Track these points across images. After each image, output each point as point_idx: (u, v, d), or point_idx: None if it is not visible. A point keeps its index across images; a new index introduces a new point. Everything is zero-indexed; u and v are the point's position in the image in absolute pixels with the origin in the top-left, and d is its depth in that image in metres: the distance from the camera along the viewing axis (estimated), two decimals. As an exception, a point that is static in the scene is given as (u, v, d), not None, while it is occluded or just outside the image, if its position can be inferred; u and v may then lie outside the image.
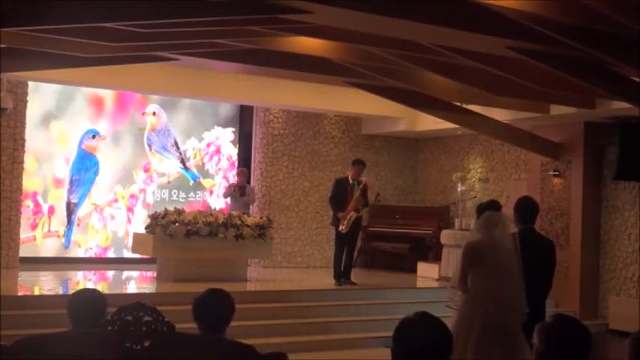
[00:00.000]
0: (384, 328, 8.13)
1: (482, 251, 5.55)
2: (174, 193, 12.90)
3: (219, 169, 13.29)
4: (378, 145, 14.14)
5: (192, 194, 13.04)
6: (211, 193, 13.21)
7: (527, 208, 5.95)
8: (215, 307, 3.60)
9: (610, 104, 9.60)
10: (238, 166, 12.95)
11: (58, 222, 11.97)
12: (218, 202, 13.04)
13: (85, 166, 12.17)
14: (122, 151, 12.50)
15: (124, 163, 12.51)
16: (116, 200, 12.45)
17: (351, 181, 10.48)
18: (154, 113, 12.71)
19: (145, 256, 11.12)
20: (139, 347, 3.28)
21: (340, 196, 10.43)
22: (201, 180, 13.14)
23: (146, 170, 12.70)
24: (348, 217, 10.29)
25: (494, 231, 5.56)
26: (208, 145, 13.19)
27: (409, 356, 2.61)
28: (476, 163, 13.34)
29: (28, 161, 11.50)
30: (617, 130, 10.36)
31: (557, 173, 11.31)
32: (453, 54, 7.02)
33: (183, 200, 12.79)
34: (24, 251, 11.42)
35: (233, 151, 13.39)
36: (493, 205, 5.98)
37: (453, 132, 12.87)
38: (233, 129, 13.40)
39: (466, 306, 5.52)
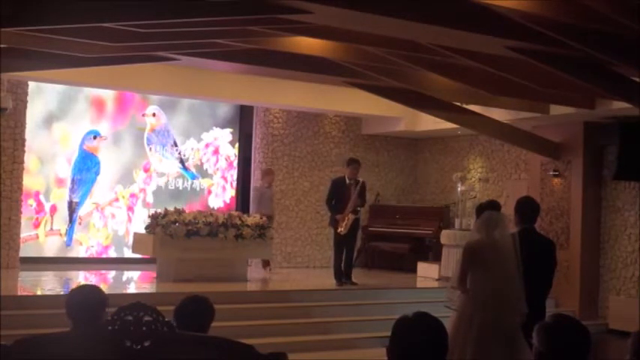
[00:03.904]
0: (384, 328, 8.07)
1: (482, 251, 5.55)
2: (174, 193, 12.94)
3: (218, 169, 13.32)
4: (378, 145, 14.14)
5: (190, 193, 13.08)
6: (209, 192, 13.24)
7: (527, 209, 5.95)
8: (196, 314, 3.78)
9: (610, 104, 9.61)
10: (238, 166, 12.95)
11: (60, 221, 12.02)
12: (217, 201, 13.08)
13: (87, 166, 12.22)
14: (122, 152, 12.54)
15: (124, 163, 12.56)
16: (117, 199, 12.50)
17: (347, 181, 10.44)
18: (154, 114, 12.76)
19: (145, 256, 11.13)
20: (139, 347, 3.27)
21: (338, 197, 10.40)
22: (200, 180, 13.17)
23: (146, 170, 12.74)
24: (347, 219, 10.26)
25: (494, 231, 5.56)
26: (207, 145, 13.21)
27: (405, 356, 2.62)
28: (476, 163, 13.34)
29: (31, 161, 11.58)
30: (617, 130, 10.36)
31: (557, 173, 11.31)
32: (452, 54, 7.02)
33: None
34: (27, 249, 11.48)
35: (231, 152, 13.42)
36: (493, 206, 5.98)
37: (453, 132, 12.87)
38: (231, 130, 13.42)
39: (465, 306, 5.53)
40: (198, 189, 13.14)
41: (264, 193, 11.55)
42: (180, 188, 12.99)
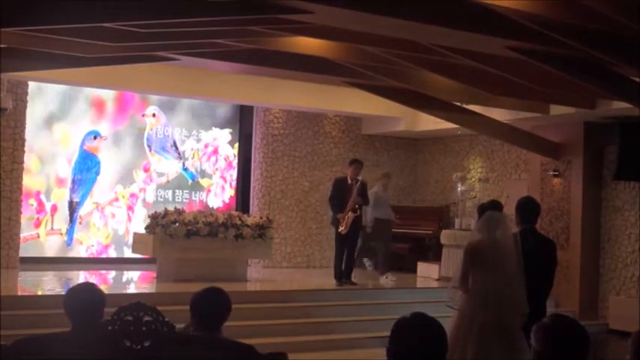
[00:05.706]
0: (384, 329, 8.05)
1: (484, 251, 5.55)
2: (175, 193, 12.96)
3: (217, 169, 13.33)
4: (378, 145, 14.14)
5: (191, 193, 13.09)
6: (209, 192, 13.25)
7: (528, 208, 5.95)
8: (211, 305, 3.75)
9: (610, 104, 9.61)
10: (238, 166, 12.97)
11: (61, 220, 12.04)
12: (216, 200, 13.09)
13: (87, 166, 12.24)
14: (122, 152, 12.55)
15: (124, 163, 12.57)
16: (117, 199, 12.51)
17: (349, 181, 10.47)
18: (154, 115, 12.77)
19: (145, 256, 11.13)
20: (139, 347, 3.28)
21: (340, 196, 10.42)
22: (200, 180, 13.18)
23: (146, 170, 12.75)
24: (347, 217, 10.28)
25: (496, 231, 5.56)
26: (206, 145, 13.22)
27: (404, 356, 2.62)
28: (476, 163, 13.34)
29: (32, 161, 11.61)
30: (617, 130, 10.36)
31: (557, 173, 11.31)
32: (452, 54, 7.02)
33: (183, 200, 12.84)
34: (28, 249, 11.51)
35: (230, 152, 13.43)
36: (494, 205, 5.98)
37: (453, 132, 12.87)
38: (230, 130, 13.42)
39: (467, 306, 5.52)
40: (197, 188, 13.15)
41: (382, 197, 11.52)
42: (180, 188, 13.00)
